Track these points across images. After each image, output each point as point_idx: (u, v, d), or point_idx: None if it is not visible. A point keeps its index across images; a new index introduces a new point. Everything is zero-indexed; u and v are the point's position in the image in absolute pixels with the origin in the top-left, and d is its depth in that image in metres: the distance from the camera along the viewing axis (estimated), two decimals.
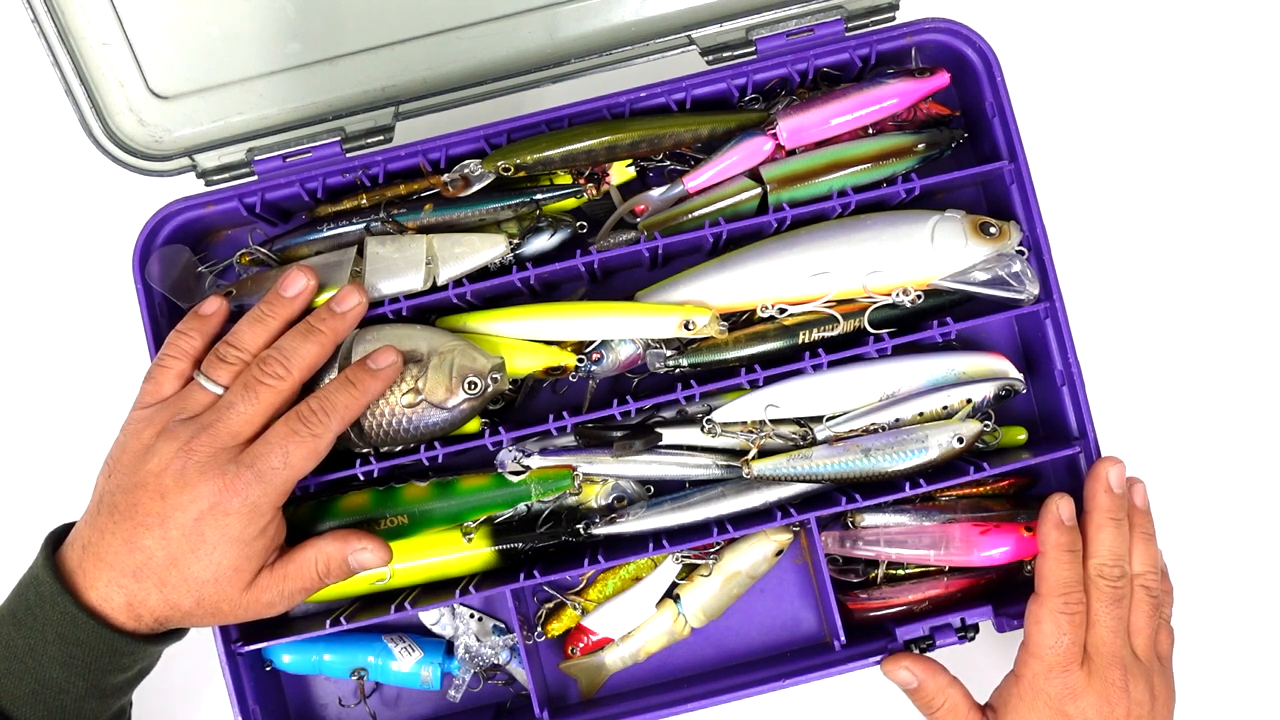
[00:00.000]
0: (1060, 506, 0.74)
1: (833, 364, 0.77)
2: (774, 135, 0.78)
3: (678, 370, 0.79)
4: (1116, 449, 0.80)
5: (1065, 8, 0.91)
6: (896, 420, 0.78)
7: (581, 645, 0.84)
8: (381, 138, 0.80)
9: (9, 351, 0.90)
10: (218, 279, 0.82)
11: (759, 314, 0.78)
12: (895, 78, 0.79)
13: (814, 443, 0.78)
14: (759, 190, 0.78)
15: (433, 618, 0.84)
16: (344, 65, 0.81)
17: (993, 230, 0.77)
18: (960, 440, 0.76)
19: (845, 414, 0.78)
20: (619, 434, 0.78)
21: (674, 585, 0.83)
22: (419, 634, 0.85)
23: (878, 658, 0.78)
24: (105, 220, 0.89)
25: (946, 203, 0.81)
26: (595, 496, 0.81)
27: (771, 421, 0.79)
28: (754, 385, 0.79)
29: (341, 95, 0.81)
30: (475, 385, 0.73)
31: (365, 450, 0.77)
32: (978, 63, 0.79)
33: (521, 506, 0.79)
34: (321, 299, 0.76)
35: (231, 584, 0.67)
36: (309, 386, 0.72)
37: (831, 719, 0.88)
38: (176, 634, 0.70)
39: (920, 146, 0.79)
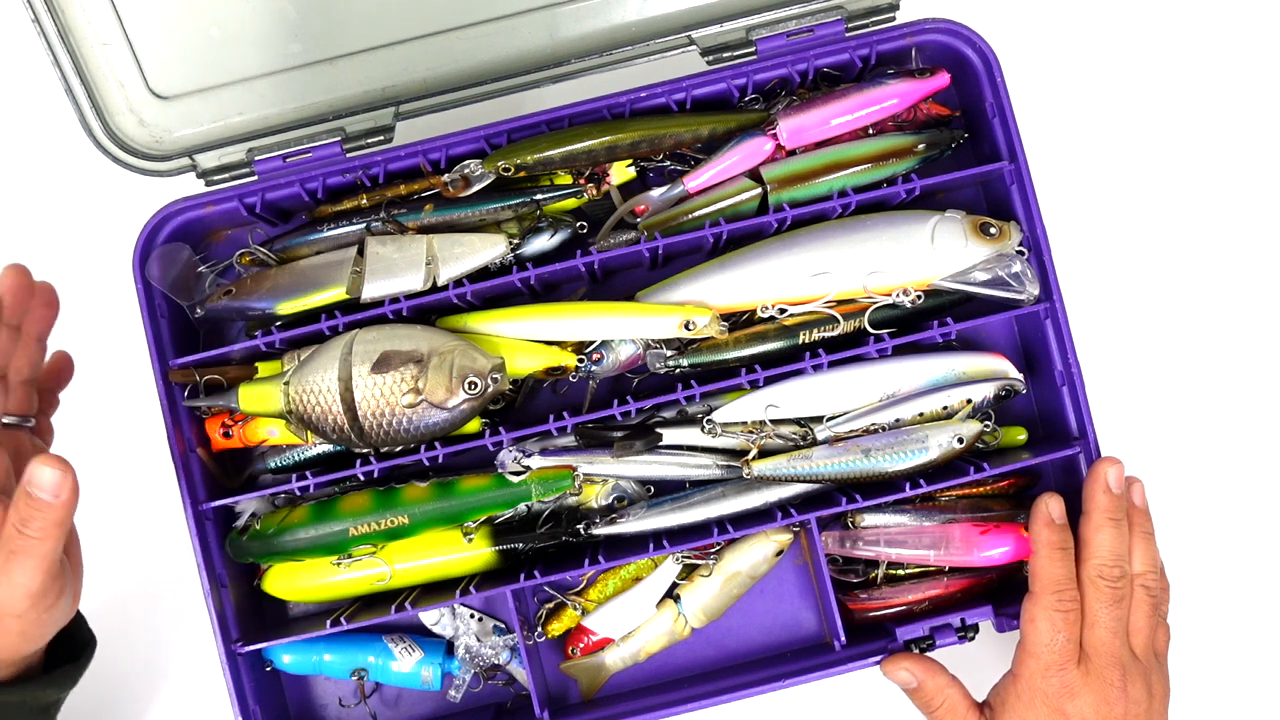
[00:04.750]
0: (1050, 505, 0.74)
1: (833, 364, 0.77)
2: (774, 135, 0.78)
3: (678, 370, 0.79)
4: (1116, 449, 0.80)
5: (1065, 8, 0.91)
6: (896, 420, 0.78)
7: (582, 645, 0.84)
8: (381, 138, 0.80)
9: None
10: (218, 278, 0.82)
11: (759, 314, 0.78)
12: (895, 78, 0.79)
13: (814, 443, 0.78)
14: (759, 190, 0.78)
15: (433, 618, 0.84)
16: (344, 65, 0.81)
17: (993, 230, 0.77)
18: (960, 440, 0.76)
19: (845, 414, 0.78)
20: (619, 434, 0.78)
21: (674, 585, 0.83)
22: (419, 634, 0.85)
23: (878, 658, 0.78)
24: (105, 220, 0.89)
25: (946, 203, 0.81)
26: (595, 497, 0.81)
27: (772, 422, 0.79)
28: (754, 385, 0.79)
29: (341, 95, 0.81)
30: (475, 385, 0.73)
31: (365, 450, 0.77)
32: (978, 63, 0.79)
33: (522, 507, 0.79)
34: (320, 299, 0.77)
35: None
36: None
37: (831, 719, 0.88)
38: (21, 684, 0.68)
39: (920, 147, 0.79)
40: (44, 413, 0.74)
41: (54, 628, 0.67)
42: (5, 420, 0.70)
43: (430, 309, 0.79)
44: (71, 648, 0.73)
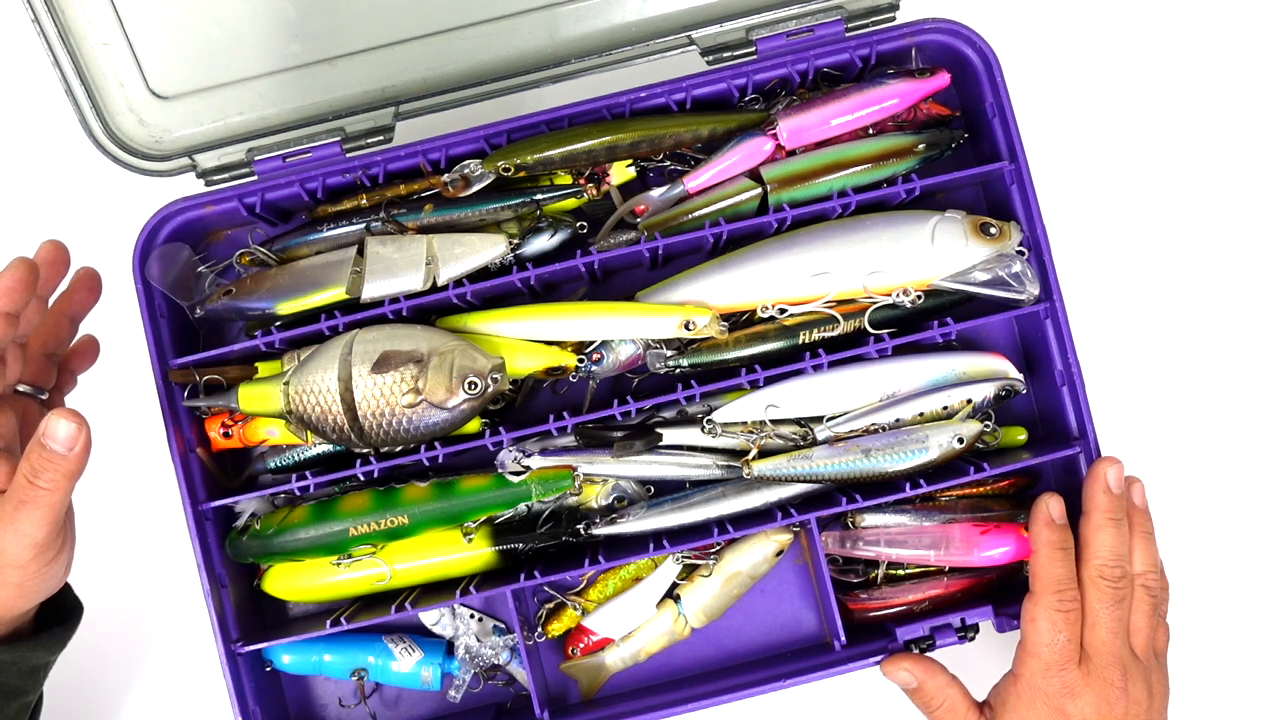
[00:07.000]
0: (1050, 505, 0.74)
1: (833, 364, 0.77)
2: (774, 135, 0.78)
3: (678, 370, 0.79)
4: (1116, 449, 0.80)
5: (1065, 8, 0.91)
6: (897, 420, 0.78)
7: (582, 645, 0.84)
8: (381, 138, 0.80)
9: None
10: (218, 278, 0.82)
11: (759, 314, 0.78)
12: (895, 78, 0.79)
13: (814, 443, 0.78)
14: (759, 190, 0.78)
15: (433, 618, 0.84)
16: (344, 65, 0.81)
17: (993, 230, 0.77)
18: (960, 440, 0.76)
19: (845, 414, 0.78)
20: (619, 434, 0.78)
21: (674, 585, 0.83)
22: (419, 634, 0.85)
23: (878, 658, 0.78)
24: (105, 220, 0.89)
25: (946, 203, 0.81)
26: (595, 497, 0.81)
27: (772, 422, 0.79)
28: (754, 385, 0.79)
29: (341, 95, 0.81)
30: (475, 385, 0.73)
31: (365, 450, 0.77)
32: (978, 63, 0.79)
33: (522, 507, 0.79)
34: (320, 299, 0.77)
35: None
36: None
37: (831, 719, 0.88)
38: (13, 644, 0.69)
39: (920, 147, 0.79)
40: (59, 389, 0.76)
41: (49, 586, 0.68)
42: (19, 388, 0.71)
43: (430, 309, 0.79)
44: (59, 613, 0.74)
